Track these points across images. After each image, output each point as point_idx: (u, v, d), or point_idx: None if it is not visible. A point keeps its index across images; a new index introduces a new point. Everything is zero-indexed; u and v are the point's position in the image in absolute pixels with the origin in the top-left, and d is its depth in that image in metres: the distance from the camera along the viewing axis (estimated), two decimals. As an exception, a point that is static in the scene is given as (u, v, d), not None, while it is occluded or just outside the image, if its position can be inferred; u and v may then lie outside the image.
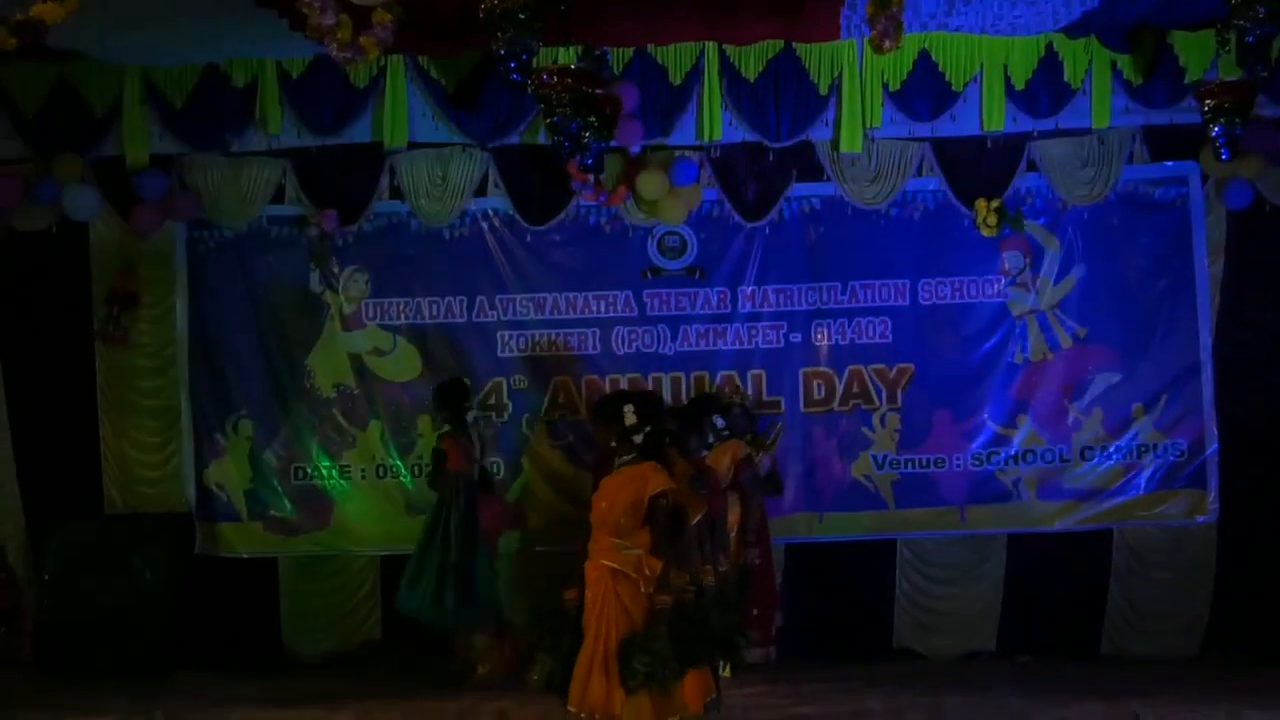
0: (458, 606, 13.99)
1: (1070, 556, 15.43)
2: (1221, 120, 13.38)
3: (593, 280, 15.80)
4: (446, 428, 14.32)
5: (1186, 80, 13.99)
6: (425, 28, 10.19)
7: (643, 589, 9.97)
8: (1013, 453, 15.48)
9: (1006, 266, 15.52)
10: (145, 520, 15.61)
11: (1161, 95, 14.36)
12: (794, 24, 13.96)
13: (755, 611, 13.79)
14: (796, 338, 15.66)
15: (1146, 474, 15.37)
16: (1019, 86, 14.47)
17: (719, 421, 14.02)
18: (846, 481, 15.59)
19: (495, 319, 15.77)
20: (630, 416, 10.39)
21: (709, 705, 10.53)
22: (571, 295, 15.78)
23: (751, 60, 14.41)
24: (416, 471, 15.66)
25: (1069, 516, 15.41)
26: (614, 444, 10.54)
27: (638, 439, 10.23)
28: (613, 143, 14.00)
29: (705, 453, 13.17)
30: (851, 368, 15.62)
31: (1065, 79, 14.43)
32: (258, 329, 15.83)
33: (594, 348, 15.73)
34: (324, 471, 15.79)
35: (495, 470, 15.54)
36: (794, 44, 14.30)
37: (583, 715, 9.97)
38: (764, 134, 14.75)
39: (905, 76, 14.37)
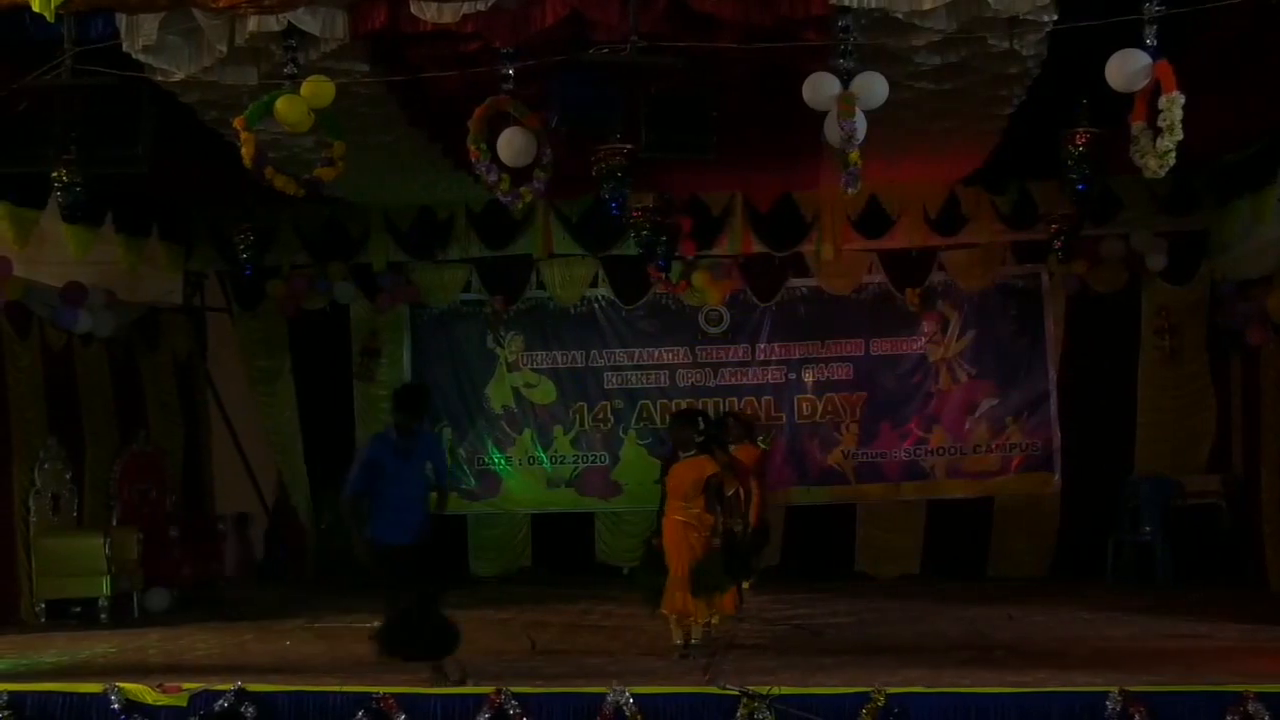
0: None
1: (966, 514, 15.36)
2: (1061, 237, 13.56)
3: (663, 340, 15.83)
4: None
5: (1039, 212, 13.85)
6: (560, 181, 10.37)
7: (701, 534, 10.08)
8: (930, 448, 15.45)
9: (925, 330, 15.48)
10: (383, 491, 15.77)
11: (1023, 221, 14.15)
12: (790, 179, 13.91)
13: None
14: (793, 376, 15.67)
15: (1014, 462, 15.34)
16: (932, 216, 14.29)
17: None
18: (825, 466, 15.59)
19: (602, 365, 15.86)
20: (699, 424, 10.63)
21: (739, 607, 10.82)
22: (650, 349, 15.83)
23: (764, 201, 14.33)
24: (554, 461, 15.82)
25: (966, 489, 15.39)
26: (678, 443, 10.55)
27: (699, 440, 10.46)
28: (676, 254, 14.32)
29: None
30: (827, 395, 15.62)
31: (962, 211, 14.26)
32: (454, 371, 15.96)
33: (665, 383, 15.79)
34: (495, 460, 15.91)
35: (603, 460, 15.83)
36: (790, 191, 14.24)
37: (670, 615, 10.18)
38: (772, 247, 14.67)
39: (861, 210, 14.21)
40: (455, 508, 15.67)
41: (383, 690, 8.66)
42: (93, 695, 8.85)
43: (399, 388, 9.56)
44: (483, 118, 9.40)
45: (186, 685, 8.91)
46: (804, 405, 15.70)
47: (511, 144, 9.43)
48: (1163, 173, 8.41)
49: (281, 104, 8.76)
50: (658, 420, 15.56)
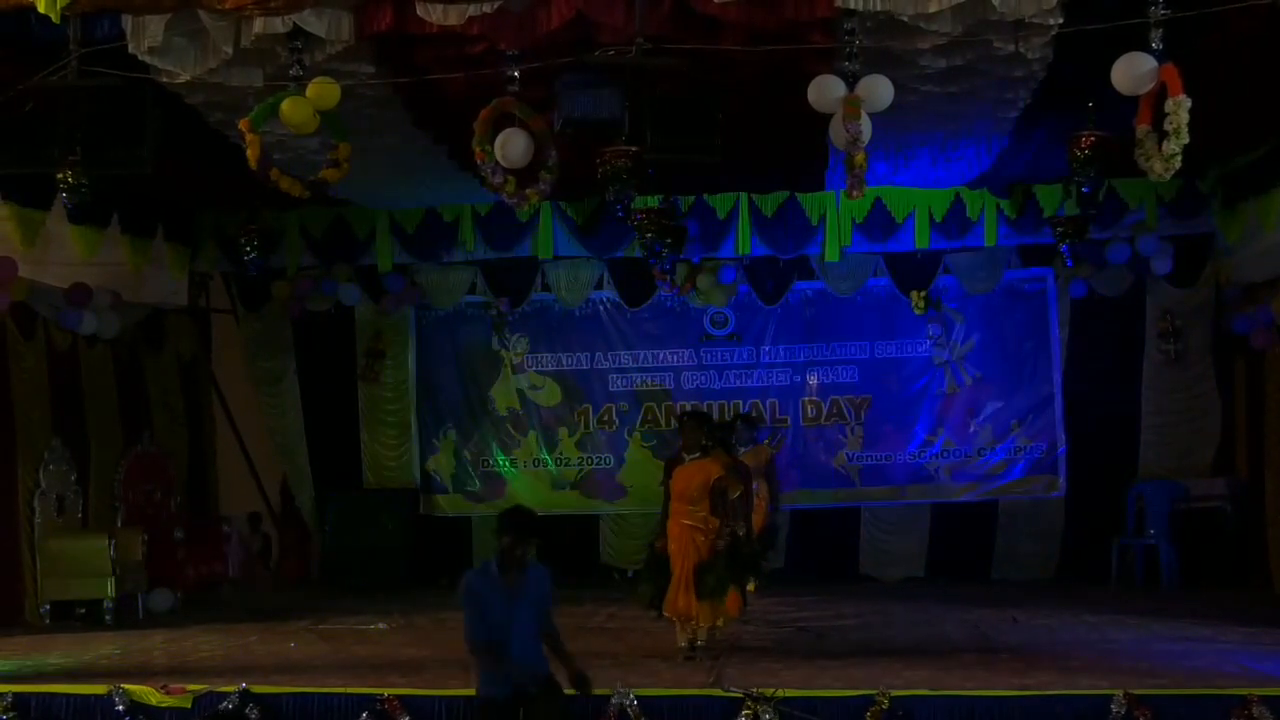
0: None
1: (971, 517, 15.36)
2: (1066, 241, 13.49)
3: (668, 342, 15.87)
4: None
5: (1044, 215, 13.73)
6: (565, 183, 10.33)
7: (706, 537, 10.09)
8: (935, 451, 15.47)
9: (930, 333, 15.51)
10: (388, 492, 15.77)
11: (1029, 225, 14.02)
12: (795, 181, 13.83)
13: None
14: (798, 378, 15.71)
15: (1019, 465, 15.36)
16: (938, 220, 14.16)
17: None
18: (830, 469, 15.62)
19: (607, 367, 15.89)
20: (705, 426, 10.66)
21: (742, 611, 10.82)
22: (655, 351, 15.86)
23: (769, 204, 14.18)
24: (559, 463, 15.82)
25: (970, 492, 15.41)
26: (684, 446, 10.60)
27: (706, 444, 10.45)
28: (681, 256, 14.22)
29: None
30: (833, 397, 15.65)
31: (968, 215, 14.12)
32: (459, 373, 16.00)
33: (670, 385, 15.82)
34: (500, 463, 15.94)
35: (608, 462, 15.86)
36: (795, 193, 14.10)
37: (673, 617, 10.19)
38: (777, 250, 14.53)
39: (866, 214, 14.09)
40: (458, 509, 15.88)
41: (387, 692, 8.68)
42: (97, 697, 8.88)
43: (505, 510, 7.86)
44: (488, 119, 9.38)
45: (191, 687, 8.94)
46: (809, 408, 15.72)
47: (509, 146, 9.42)
48: (1168, 176, 8.42)
49: (287, 105, 8.77)
50: (663, 423, 15.60)
